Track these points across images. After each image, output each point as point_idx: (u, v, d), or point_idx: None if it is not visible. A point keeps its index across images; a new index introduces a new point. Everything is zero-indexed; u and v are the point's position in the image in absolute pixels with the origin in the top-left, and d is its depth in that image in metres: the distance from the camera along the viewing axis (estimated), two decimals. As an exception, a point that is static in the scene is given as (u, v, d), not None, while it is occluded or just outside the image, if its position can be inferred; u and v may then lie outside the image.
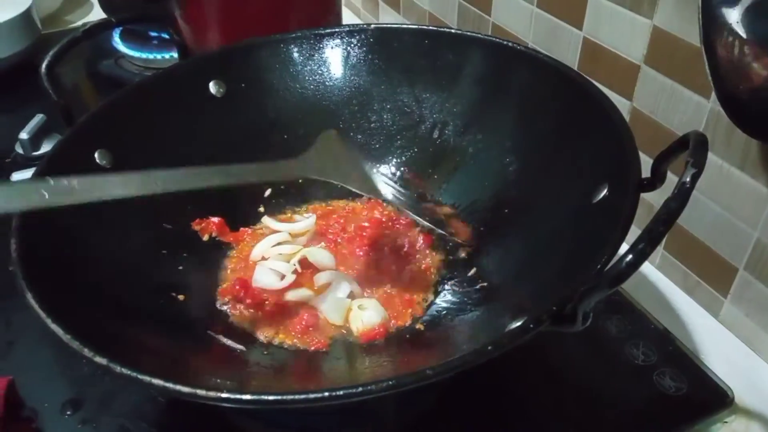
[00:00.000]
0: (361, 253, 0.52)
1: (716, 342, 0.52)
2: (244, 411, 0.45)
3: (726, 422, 0.47)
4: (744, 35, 0.33)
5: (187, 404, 0.43)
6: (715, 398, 0.47)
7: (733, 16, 0.33)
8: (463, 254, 0.51)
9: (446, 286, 0.49)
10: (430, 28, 0.58)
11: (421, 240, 0.54)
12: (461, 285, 0.49)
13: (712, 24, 0.34)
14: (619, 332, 0.52)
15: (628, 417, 0.47)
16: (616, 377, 0.49)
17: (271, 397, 0.29)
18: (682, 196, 0.31)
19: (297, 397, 0.29)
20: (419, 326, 0.47)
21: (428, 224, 0.53)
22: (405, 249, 0.53)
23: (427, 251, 0.53)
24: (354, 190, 0.49)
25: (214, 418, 0.45)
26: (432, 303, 0.48)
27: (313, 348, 0.46)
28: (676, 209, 0.31)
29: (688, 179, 0.32)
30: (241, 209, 0.57)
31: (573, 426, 0.46)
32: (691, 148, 0.34)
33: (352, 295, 0.49)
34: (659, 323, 0.53)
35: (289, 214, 0.58)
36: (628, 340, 0.51)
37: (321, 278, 0.50)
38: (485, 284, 0.46)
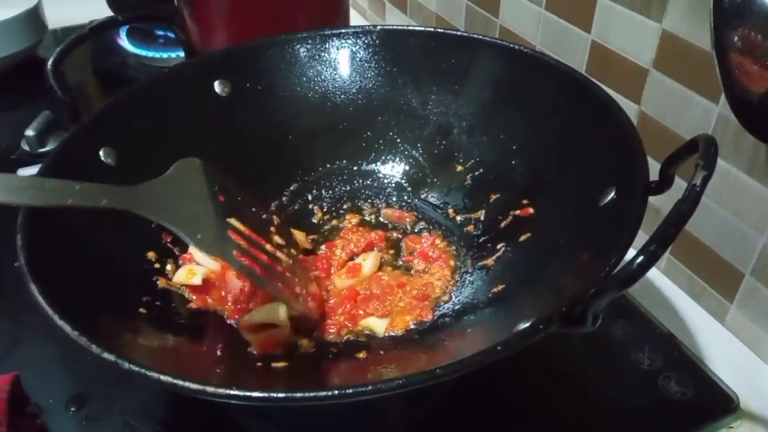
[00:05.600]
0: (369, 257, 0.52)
1: (722, 347, 0.52)
2: (249, 409, 0.45)
3: (731, 428, 0.47)
4: (756, 39, 0.33)
5: (191, 401, 0.43)
6: (721, 403, 0.47)
7: (746, 19, 0.33)
8: (471, 257, 0.51)
9: (455, 288, 0.49)
10: (437, 30, 0.58)
11: (430, 242, 0.54)
12: (470, 286, 0.49)
13: (723, 27, 0.33)
14: (624, 337, 0.52)
15: (633, 422, 0.47)
16: (622, 381, 0.49)
17: (280, 395, 0.29)
18: (692, 199, 0.31)
19: (306, 395, 0.29)
20: (429, 327, 0.47)
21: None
22: (415, 251, 0.53)
23: (437, 253, 0.53)
24: (194, 245, 0.40)
25: (217, 415, 0.45)
26: (441, 304, 0.48)
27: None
28: (686, 211, 0.31)
29: (698, 182, 0.32)
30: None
31: (577, 429, 0.46)
32: (702, 151, 0.34)
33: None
34: (665, 328, 0.53)
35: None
36: (634, 344, 0.51)
37: None
38: (494, 286, 0.46)
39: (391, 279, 0.50)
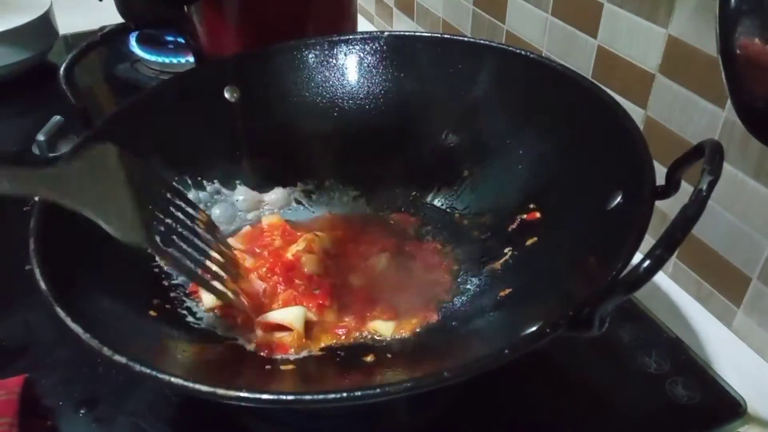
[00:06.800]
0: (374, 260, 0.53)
1: (729, 352, 0.52)
2: (258, 411, 0.45)
3: (739, 432, 0.47)
4: (762, 45, 0.33)
5: (200, 403, 0.43)
6: (728, 408, 0.47)
7: (752, 24, 0.33)
8: (478, 261, 0.51)
9: (461, 292, 0.50)
10: (444, 35, 0.59)
11: (431, 248, 0.54)
12: (477, 290, 0.49)
13: (729, 32, 0.34)
14: (631, 341, 0.52)
15: (640, 425, 0.47)
16: (629, 386, 0.49)
17: (289, 397, 0.29)
18: (698, 203, 0.31)
19: (315, 397, 0.29)
20: (435, 330, 0.47)
21: None
22: (422, 254, 0.53)
23: (444, 257, 0.53)
24: (111, 232, 0.38)
25: (227, 417, 0.46)
26: (448, 308, 0.48)
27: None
28: (693, 216, 0.31)
29: (704, 186, 0.32)
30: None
31: (584, 433, 0.46)
32: (707, 156, 0.34)
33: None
34: (672, 332, 0.53)
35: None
36: (641, 348, 0.51)
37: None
38: (501, 290, 0.46)
39: (395, 282, 0.50)
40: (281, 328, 0.46)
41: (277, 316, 0.46)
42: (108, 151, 0.41)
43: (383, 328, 0.47)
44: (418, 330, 0.47)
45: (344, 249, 0.54)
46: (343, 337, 0.47)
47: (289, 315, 0.46)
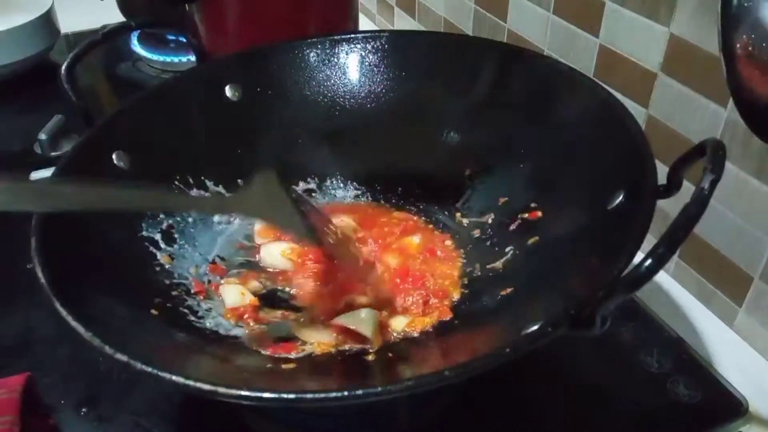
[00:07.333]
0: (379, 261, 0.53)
1: (731, 351, 0.52)
2: (259, 409, 0.45)
3: (740, 431, 0.47)
4: (764, 43, 0.33)
5: (201, 402, 0.43)
6: (729, 407, 0.47)
7: (754, 22, 0.33)
8: (479, 260, 0.51)
9: (463, 291, 0.49)
10: (445, 34, 0.59)
11: (441, 245, 0.54)
12: (478, 289, 0.49)
13: (731, 31, 0.34)
14: (633, 340, 0.52)
15: (642, 425, 0.47)
16: (630, 385, 0.49)
17: (290, 396, 0.29)
18: (700, 202, 0.31)
19: (316, 395, 0.29)
20: (436, 328, 0.47)
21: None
22: (425, 255, 0.53)
23: (447, 256, 0.53)
24: (292, 233, 0.50)
25: (227, 415, 0.46)
26: (450, 307, 0.48)
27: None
28: (694, 215, 0.31)
29: (706, 185, 0.32)
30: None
31: (586, 432, 0.46)
32: (709, 155, 0.34)
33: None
34: (673, 331, 0.53)
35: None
36: (642, 348, 0.51)
37: None
38: (502, 289, 0.46)
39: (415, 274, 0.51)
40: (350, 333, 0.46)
41: (348, 322, 0.46)
42: (271, 175, 0.48)
43: (396, 323, 0.47)
44: (428, 329, 0.47)
45: (370, 233, 0.55)
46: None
47: (362, 322, 0.46)
